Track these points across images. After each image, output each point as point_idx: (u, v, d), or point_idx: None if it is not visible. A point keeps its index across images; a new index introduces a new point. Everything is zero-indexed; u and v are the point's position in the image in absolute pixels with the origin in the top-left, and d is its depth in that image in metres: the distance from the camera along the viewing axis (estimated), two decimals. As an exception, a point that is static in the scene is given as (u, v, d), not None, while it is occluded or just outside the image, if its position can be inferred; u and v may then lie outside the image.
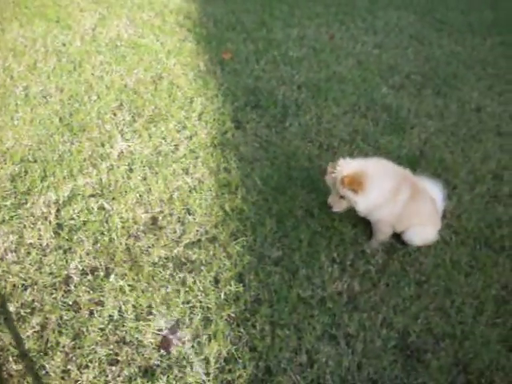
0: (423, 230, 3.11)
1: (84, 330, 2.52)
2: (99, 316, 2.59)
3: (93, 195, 3.28)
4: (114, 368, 2.40)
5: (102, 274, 2.80)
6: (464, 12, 7.36)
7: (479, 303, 2.89)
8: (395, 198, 2.90)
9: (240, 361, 2.47)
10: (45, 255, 2.88)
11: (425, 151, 4.04)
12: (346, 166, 2.85)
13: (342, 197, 2.89)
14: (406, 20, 6.81)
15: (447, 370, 2.54)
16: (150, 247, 2.97)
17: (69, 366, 2.38)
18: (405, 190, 2.92)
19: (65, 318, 2.57)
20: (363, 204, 2.88)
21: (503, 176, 3.89)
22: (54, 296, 2.66)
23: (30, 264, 2.82)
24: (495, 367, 2.58)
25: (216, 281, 2.83)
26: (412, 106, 4.67)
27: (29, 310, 2.59)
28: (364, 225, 3.20)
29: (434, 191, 3.18)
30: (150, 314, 2.63)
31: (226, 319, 2.65)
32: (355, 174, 2.78)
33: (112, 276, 2.78)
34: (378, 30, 6.31)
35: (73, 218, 3.10)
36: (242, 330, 2.60)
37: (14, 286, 2.70)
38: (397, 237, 3.17)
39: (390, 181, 2.89)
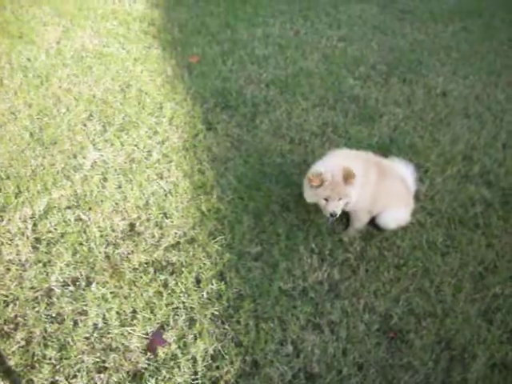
0: (396, 213, 3.15)
1: (69, 340, 2.53)
2: (84, 325, 2.60)
3: (69, 207, 3.28)
4: (102, 375, 2.41)
5: (83, 283, 2.81)
6: (424, 1, 7.47)
7: (457, 281, 2.96)
8: (367, 180, 2.93)
9: (227, 357, 2.50)
10: (25, 270, 2.87)
11: (395, 138, 4.10)
12: (331, 167, 2.83)
13: (340, 198, 2.87)
14: (369, 12, 6.88)
15: (431, 348, 2.60)
16: (129, 253, 2.99)
17: (57, 378, 2.38)
18: (372, 171, 2.96)
19: (49, 330, 2.57)
20: (355, 195, 2.90)
21: (472, 156, 3.97)
22: (36, 310, 2.66)
23: (10, 280, 2.81)
24: (477, 341, 2.64)
25: (197, 281, 2.86)
26: (379, 95, 4.74)
27: (12, 326, 2.59)
28: (340, 215, 3.24)
29: (403, 171, 3.22)
30: (135, 318, 2.64)
31: (210, 318, 2.67)
32: (344, 167, 2.78)
33: (93, 285, 2.79)
34: (341, 24, 6.38)
35: (50, 231, 3.10)
36: (226, 327, 2.63)
37: (-4, 302, 2.70)
38: (373, 223, 3.22)
39: (359, 166, 2.91)
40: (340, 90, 4.80)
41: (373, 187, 2.97)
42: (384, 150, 3.81)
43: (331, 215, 2.89)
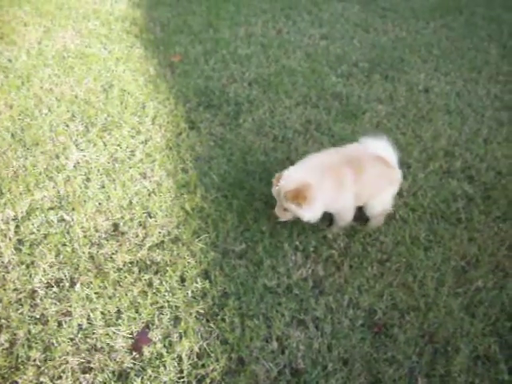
0: (381, 197, 3.16)
1: (54, 341, 2.52)
2: (68, 326, 2.58)
3: (52, 208, 3.26)
4: (87, 376, 2.40)
5: (67, 284, 2.79)
6: (406, -2, 7.54)
7: (440, 275, 2.98)
8: (341, 185, 2.95)
9: (212, 355, 2.50)
10: (7, 272, 2.85)
11: (377, 134, 4.12)
12: (289, 179, 2.86)
13: (285, 209, 2.93)
14: (351, 10, 6.93)
15: (414, 342, 2.62)
16: (113, 253, 2.97)
17: (41, 379, 2.37)
18: (346, 174, 2.96)
19: (33, 331, 2.56)
20: (309, 215, 2.94)
21: (454, 152, 4.01)
22: (20, 311, 2.64)
23: (-8, 282, 2.79)
24: (460, 334, 2.67)
25: (182, 279, 2.85)
26: (362, 93, 4.78)
27: (-4, 328, 2.57)
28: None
29: (379, 149, 3.15)
30: (119, 318, 2.63)
31: (195, 316, 2.67)
32: (298, 187, 2.80)
33: (77, 285, 2.78)
34: (323, 22, 6.41)
35: (33, 233, 3.08)
36: (211, 325, 2.63)
37: (-22, 305, 2.68)
38: (356, 219, 3.24)
39: (329, 179, 2.91)
40: (323, 87, 4.82)
41: (351, 188, 2.99)
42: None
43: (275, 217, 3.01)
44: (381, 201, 3.18)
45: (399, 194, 3.41)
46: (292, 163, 3.09)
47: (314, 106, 4.52)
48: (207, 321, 2.65)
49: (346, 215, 3.16)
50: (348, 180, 2.96)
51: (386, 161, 3.12)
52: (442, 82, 5.11)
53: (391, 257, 3.08)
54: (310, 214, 2.93)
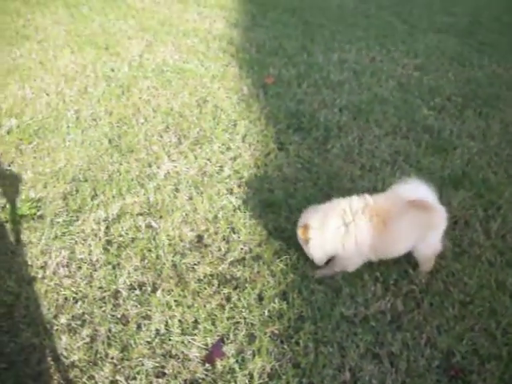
0: (425, 245, 3.02)
1: (132, 342, 2.59)
2: (146, 330, 2.66)
3: (140, 213, 3.39)
4: (160, 380, 2.45)
5: (149, 289, 2.88)
6: (504, 33, 7.32)
7: (526, 325, 2.84)
8: (347, 237, 2.88)
9: (284, 377, 2.49)
10: (95, 270, 2.98)
11: (467, 172, 4.01)
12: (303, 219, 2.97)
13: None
14: (447, 42, 6.81)
15: (494, 392, 2.50)
16: (195, 264, 3.04)
17: (117, 377, 2.44)
18: (360, 227, 2.87)
19: (113, 330, 2.65)
20: (313, 256, 2.98)
21: (549, 197, 3.83)
22: (103, 309, 2.75)
23: (80, 278, 2.93)
24: (544, 389, 2.52)
25: (260, 298, 2.87)
26: (454, 127, 4.66)
27: (79, 322, 2.68)
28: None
29: (413, 193, 2.95)
30: (196, 328, 2.68)
31: (269, 336, 2.67)
32: (304, 225, 2.91)
33: (159, 291, 2.86)
34: (418, 53, 6.33)
35: (121, 235, 3.21)
36: (285, 347, 2.62)
37: (66, 298, 2.81)
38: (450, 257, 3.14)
39: (334, 220, 2.89)
40: (414, 119, 4.75)
41: (362, 245, 2.89)
42: (456, 184, 3.76)
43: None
44: (427, 246, 3.03)
45: (486, 235, 3.29)
46: (378, 192, 3.05)
47: (404, 137, 4.46)
48: (281, 342, 2.65)
49: (346, 267, 3.03)
50: (360, 234, 2.87)
51: (423, 205, 2.91)
52: (540, 123, 4.91)
53: (474, 300, 2.96)
54: (313, 254, 2.95)
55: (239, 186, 3.68)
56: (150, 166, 3.84)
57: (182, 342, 2.62)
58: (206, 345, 2.61)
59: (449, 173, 3.98)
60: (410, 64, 5.97)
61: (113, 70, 5.26)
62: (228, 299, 2.84)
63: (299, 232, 2.92)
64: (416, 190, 2.96)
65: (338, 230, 2.87)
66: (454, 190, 3.70)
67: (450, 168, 4.04)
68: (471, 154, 4.28)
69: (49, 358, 2.52)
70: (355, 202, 2.93)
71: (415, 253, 3.06)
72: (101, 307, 2.77)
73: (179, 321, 2.71)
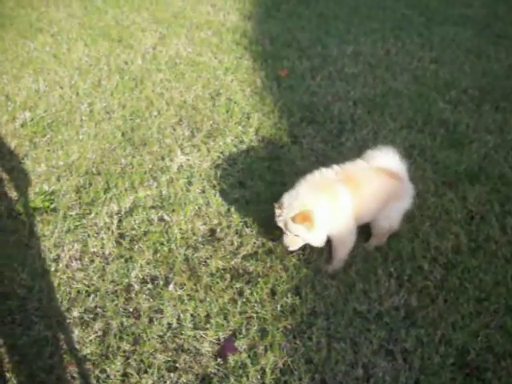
0: (386, 215, 2.99)
1: (144, 336, 2.60)
2: (158, 323, 2.66)
3: (153, 207, 3.39)
4: (172, 374, 2.45)
5: (161, 283, 2.88)
6: (523, 26, 7.18)
7: (543, 323, 2.79)
8: (337, 207, 2.80)
9: (296, 372, 2.47)
10: (107, 263, 2.99)
11: (484, 166, 3.94)
12: (292, 206, 2.74)
13: (296, 235, 2.80)
14: (463, 35, 6.68)
15: (509, 390, 2.46)
16: (208, 258, 3.04)
17: (128, 370, 2.45)
18: (341, 194, 2.80)
19: (125, 324, 2.66)
20: (318, 239, 2.82)
21: None
22: (115, 303, 2.76)
23: (93, 272, 2.94)
24: (561, 389, 2.48)
25: (273, 292, 2.86)
26: (470, 121, 4.57)
27: (92, 316, 2.70)
28: (421, 241, 3.16)
29: (384, 161, 2.99)
30: (208, 323, 2.67)
31: (282, 331, 2.66)
32: (302, 211, 2.69)
33: (171, 285, 2.85)
34: (434, 46, 6.23)
35: (134, 229, 3.21)
36: (298, 342, 2.60)
37: (78, 292, 2.82)
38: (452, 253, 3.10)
39: (324, 199, 2.78)
40: (429, 112, 4.67)
41: (348, 209, 2.83)
42: (472, 178, 3.71)
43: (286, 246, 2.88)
44: (386, 217, 3.01)
45: (502, 231, 3.24)
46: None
47: (419, 130, 4.39)
48: (294, 337, 2.63)
49: (345, 239, 2.96)
50: (342, 200, 2.81)
51: (391, 174, 2.93)
52: (558, 116, 4.81)
53: (490, 296, 2.91)
54: (320, 237, 2.82)
55: (252, 179, 3.65)
56: (162, 159, 3.83)
57: (194, 337, 2.62)
58: (218, 339, 2.61)
59: (465, 167, 3.91)
60: (426, 57, 5.87)
61: (126, 63, 5.25)
62: (240, 294, 2.83)
63: (298, 220, 2.69)
64: (386, 158, 3.00)
65: (331, 203, 2.79)
66: (470, 185, 3.63)
67: (465, 162, 3.97)
68: (488, 149, 4.20)
69: (61, 351, 2.53)
70: (326, 173, 2.89)
71: (373, 223, 3.04)
72: (113, 301, 2.78)
73: (191, 315, 2.71)
